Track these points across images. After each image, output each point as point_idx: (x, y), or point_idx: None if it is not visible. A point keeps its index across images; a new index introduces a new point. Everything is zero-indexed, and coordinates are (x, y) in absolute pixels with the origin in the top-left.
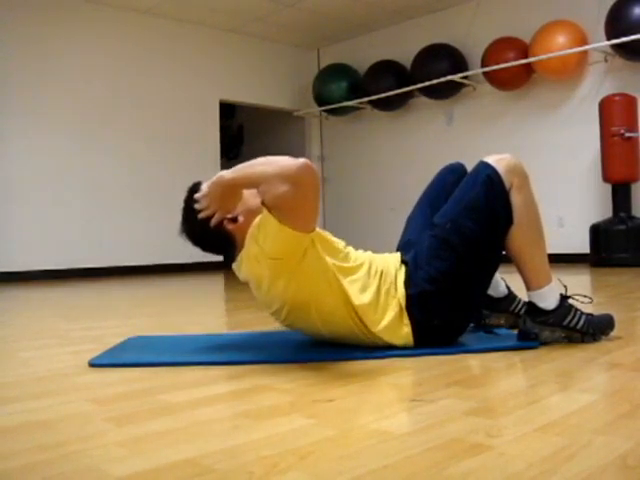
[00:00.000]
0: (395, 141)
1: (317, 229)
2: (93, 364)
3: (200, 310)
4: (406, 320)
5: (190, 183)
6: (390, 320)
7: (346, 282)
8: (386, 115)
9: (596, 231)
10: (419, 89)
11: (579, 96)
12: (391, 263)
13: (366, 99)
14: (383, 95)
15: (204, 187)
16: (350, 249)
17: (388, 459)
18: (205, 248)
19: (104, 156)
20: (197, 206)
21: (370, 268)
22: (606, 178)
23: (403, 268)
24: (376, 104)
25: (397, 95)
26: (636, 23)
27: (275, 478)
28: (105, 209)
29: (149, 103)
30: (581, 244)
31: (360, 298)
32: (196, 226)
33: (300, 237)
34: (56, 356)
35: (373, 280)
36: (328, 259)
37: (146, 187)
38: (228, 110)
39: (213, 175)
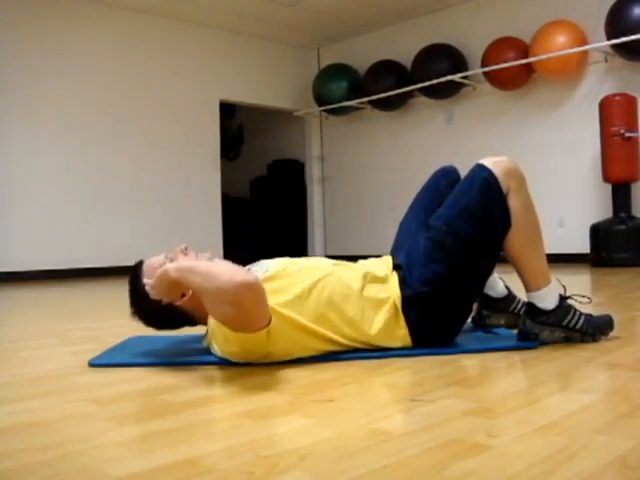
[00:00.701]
0: (395, 141)
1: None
2: (93, 364)
3: None
4: (402, 322)
5: (189, 184)
6: (384, 323)
7: (321, 327)
8: (386, 115)
9: (596, 231)
10: (419, 89)
11: (579, 96)
12: (379, 267)
13: (366, 99)
14: (383, 95)
15: (150, 281)
16: (309, 272)
17: (388, 459)
18: (159, 326)
19: (104, 156)
20: (148, 292)
21: (329, 279)
22: (606, 178)
23: (395, 274)
24: (376, 104)
25: (397, 95)
26: (636, 23)
27: (275, 478)
28: (105, 209)
29: (149, 103)
30: (581, 244)
31: (342, 331)
32: (147, 307)
33: (259, 334)
34: (56, 356)
35: (351, 298)
36: (294, 317)
37: (146, 187)
38: (228, 110)
39: (213, 175)
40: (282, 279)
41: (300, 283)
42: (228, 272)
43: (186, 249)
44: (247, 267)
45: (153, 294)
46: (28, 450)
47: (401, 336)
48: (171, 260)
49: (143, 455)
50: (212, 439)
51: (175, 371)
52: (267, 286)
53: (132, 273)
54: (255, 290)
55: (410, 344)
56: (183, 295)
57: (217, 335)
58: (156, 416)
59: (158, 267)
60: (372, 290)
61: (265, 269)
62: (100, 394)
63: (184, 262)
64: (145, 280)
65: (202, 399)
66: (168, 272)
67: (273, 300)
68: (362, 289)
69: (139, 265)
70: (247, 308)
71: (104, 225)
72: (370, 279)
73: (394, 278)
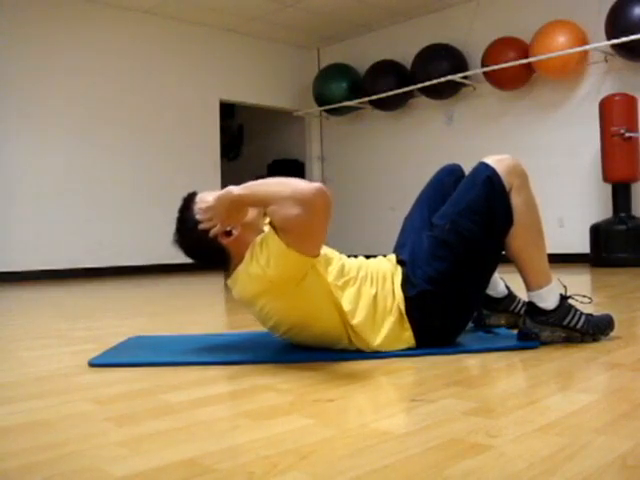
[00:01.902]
0: (395, 141)
1: None
2: (93, 364)
3: (200, 310)
4: (406, 324)
5: (189, 184)
6: (389, 330)
7: (343, 300)
8: (386, 115)
9: (596, 231)
10: (419, 89)
11: (579, 96)
12: (386, 267)
13: (366, 99)
14: (383, 95)
15: (209, 198)
16: (344, 260)
17: (388, 459)
18: (198, 260)
19: (104, 156)
20: (199, 217)
21: (364, 278)
22: (606, 178)
23: (399, 270)
24: (376, 104)
25: (397, 95)
26: (636, 23)
27: (275, 478)
28: (105, 209)
29: (149, 103)
30: (581, 244)
31: (356, 316)
32: (192, 237)
33: (304, 261)
34: (56, 356)
35: (369, 290)
36: (326, 279)
37: (146, 187)
38: (228, 110)
39: (213, 175)
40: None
41: (346, 270)
42: (303, 181)
43: None
44: None
45: (207, 215)
46: (28, 450)
47: (406, 338)
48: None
49: (143, 455)
50: (212, 439)
51: (175, 371)
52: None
53: (183, 202)
54: (328, 198)
55: (414, 345)
56: (230, 234)
57: (250, 270)
58: (156, 416)
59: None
60: (383, 292)
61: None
62: (100, 394)
63: (251, 183)
64: (198, 204)
65: (202, 399)
66: (231, 191)
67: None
68: (376, 290)
69: (192, 195)
70: (318, 212)
71: (104, 225)
72: (381, 279)
73: (397, 279)
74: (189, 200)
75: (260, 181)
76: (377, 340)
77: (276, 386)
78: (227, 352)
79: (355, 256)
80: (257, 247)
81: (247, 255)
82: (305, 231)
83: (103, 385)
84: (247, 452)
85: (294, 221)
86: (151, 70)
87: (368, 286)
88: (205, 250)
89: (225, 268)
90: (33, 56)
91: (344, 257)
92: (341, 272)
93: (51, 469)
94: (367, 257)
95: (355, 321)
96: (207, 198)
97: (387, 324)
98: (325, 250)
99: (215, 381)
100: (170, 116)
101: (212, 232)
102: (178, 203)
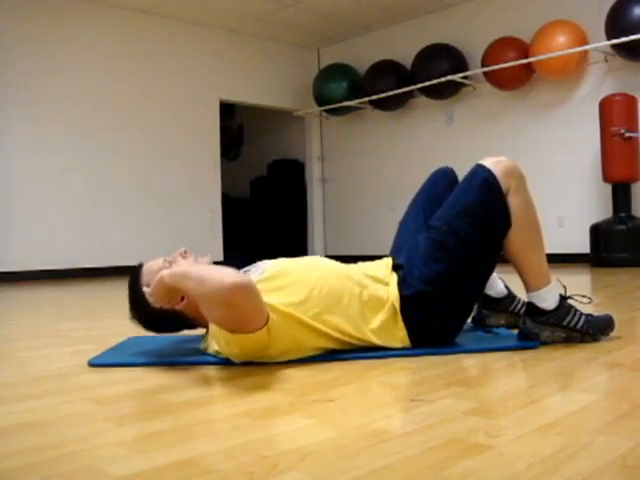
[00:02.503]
0: (395, 141)
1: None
2: (93, 364)
3: None
4: (400, 324)
5: (189, 184)
6: (381, 324)
7: (321, 325)
8: (386, 115)
9: (596, 231)
10: (419, 89)
11: (579, 96)
12: (378, 268)
13: (366, 99)
14: (383, 95)
15: (155, 268)
16: (306, 273)
17: (388, 459)
18: (160, 329)
19: (104, 156)
20: (148, 300)
21: (344, 285)
22: (606, 178)
23: (394, 274)
24: (376, 104)
25: (397, 95)
26: (636, 23)
27: (275, 478)
28: (105, 209)
29: (149, 103)
30: (581, 244)
31: (343, 329)
32: (146, 311)
33: (255, 336)
34: (56, 356)
35: (350, 297)
36: (296, 315)
37: (146, 187)
38: (228, 110)
39: (213, 175)
40: (282, 278)
41: (300, 282)
42: (219, 275)
43: (185, 252)
44: (246, 268)
45: (152, 301)
46: (28, 450)
47: (400, 337)
48: (170, 264)
49: (143, 455)
50: (212, 439)
51: (175, 371)
52: (267, 285)
53: (131, 277)
54: (247, 291)
55: (409, 345)
56: (182, 299)
57: (218, 337)
58: (156, 416)
59: (157, 271)
60: (371, 290)
61: (264, 269)
62: (100, 394)
63: (178, 267)
64: (144, 289)
65: (202, 399)
66: (163, 279)
67: (274, 299)
68: (361, 288)
69: (138, 269)
70: (241, 309)
71: (104, 225)
72: (369, 279)
73: (393, 280)
74: (136, 274)
75: (183, 270)
76: (370, 329)
77: (276, 386)
78: None
79: (355, 258)
80: (215, 329)
81: (210, 336)
82: (236, 321)
83: (103, 385)
84: (247, 452)
85: (221, 321)
86: (151, 70)
87: (347, 293)
88: (163, 320)
89: (190, 326)
90: (33, 56)
91: (308, 264)
92: (302, 282)
93: (50, 469)
94: (365, 257)
95: (338, 334)
96: (154, 268)
97: (379, 317)
98: (284, 280)
99: (215, 381)
100: (170, 116)
101: (163, 307)
102: (178, 203)
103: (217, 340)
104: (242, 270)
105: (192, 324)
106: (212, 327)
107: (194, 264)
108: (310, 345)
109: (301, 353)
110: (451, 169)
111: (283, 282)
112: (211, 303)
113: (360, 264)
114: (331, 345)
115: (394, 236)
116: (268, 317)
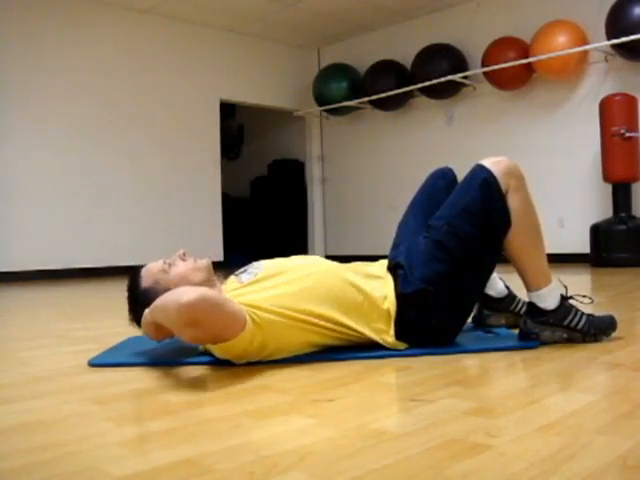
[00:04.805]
0: (395, 141)
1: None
2: (93, 364)
3: None
4: (391, 329)
5: (189, 184)
6: (376, 317)
7: (314, 317)
8: (386, 115)
9: (596, 231)
10: (419, 89)
11: (579, 96)
12: (374, 268)
13: (366, 99)
14: (383, 95)
15: (155, 270)
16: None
17: (388, 459)
18: None
19: (104, 156)
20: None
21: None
22: (606, 178)
23: (389, 274)
24: (376, 104)
25: (397, 95)
26: (636, 23)
27: (275, 478)
28: (105, 209)
29: (149, 103)
30: (581, 244)
31: (336, 319)
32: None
33: (240, 338)
34: (56, 356)
35: (346, 294)
36: (286, 313)
37: (146, 187)
38: (228, 110)
39: (213, 175)
40: (276, 277)
41: (295, 279)
42: (175, 297)
43: (184, 255)
44: (243, 268)
45: (151, 338)
46: (28, 450)
47: (393, 333)
48: (169, 266)
49: (143, 455)
50: (212, 439)
51: (175, 371)
52: (261, 285)
53: (130, 279)
54: (203, 305)
55: (403, 341)
56: None
57: (211, 348)
58: (156, 416)
59: (156, 273)
60: (367, 287)
61: (258, 269)
62: (100, 394)
63: (156, 301)
64: (144, 278)
65: (202, 399)
66: (145, 317)
67: (268, 297)
68: (357, 286)
69: (137, 271)
70: (206, 322)
71: (104, 225)
72: (365, 277)
73: (389, 278)
74: (135, 276)
75: (155, 304)
76: (366, 319)
77: (276, 386)
78: None
79: (355, 258)
80: None
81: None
82: (210, 334)
83: (103, 385)
84: (247, 452)
85: (197, 340)
86: (151, 70)
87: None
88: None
89: None
90: (33, 56)
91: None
92: (296, 279)
93: (51, 469)
94: (365, 257)
95: (331, 314)
96: (153, 270)
97: (375, 313)
98: (267, 285)
99: (215, 381)
100: (170, 116)
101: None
102: (178, 203)
103: (212, 350)
104: (239, 271)
105: None
106: None
107: (193, 266)
108: (305, 341)
109: (298, 350)
110: (450, 169)
111: (279, 280)
112: (178, 327)
113: (355, 263)
114: (326, 340)
115: (394, 237)
116: (245, 320)
